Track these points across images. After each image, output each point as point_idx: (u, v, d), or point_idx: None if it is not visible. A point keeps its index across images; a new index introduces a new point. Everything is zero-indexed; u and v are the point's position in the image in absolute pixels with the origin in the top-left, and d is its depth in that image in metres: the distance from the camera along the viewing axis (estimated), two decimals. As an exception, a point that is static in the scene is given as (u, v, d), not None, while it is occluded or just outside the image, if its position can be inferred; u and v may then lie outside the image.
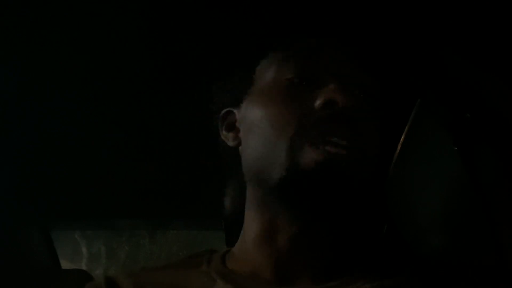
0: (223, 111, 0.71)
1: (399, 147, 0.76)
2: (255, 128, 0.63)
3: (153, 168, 1.06)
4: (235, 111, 0.69)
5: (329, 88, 0.59)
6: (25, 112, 0.99)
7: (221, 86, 0.72)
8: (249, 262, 0.62)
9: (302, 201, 0.58)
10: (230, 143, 0.69)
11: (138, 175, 1.07)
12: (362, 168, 0.60)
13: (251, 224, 0.63)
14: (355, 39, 0.69)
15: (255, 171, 0.62)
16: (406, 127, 0.75)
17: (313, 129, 0.58)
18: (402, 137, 0.75)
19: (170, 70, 0.93)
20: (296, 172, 0.57)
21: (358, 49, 0.67)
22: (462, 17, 0.72)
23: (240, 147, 0.67)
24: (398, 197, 0.78)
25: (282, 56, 0.65)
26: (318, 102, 0.59)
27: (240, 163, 0.66)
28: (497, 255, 0.70)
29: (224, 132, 0.70)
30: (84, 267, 1.97)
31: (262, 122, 0.61)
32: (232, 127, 0.69)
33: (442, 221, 0.79)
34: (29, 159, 1.06)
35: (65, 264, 1.46)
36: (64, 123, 1.01)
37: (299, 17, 0.78)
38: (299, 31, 0.72)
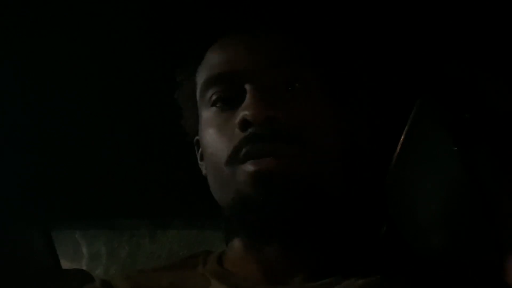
0: (194, 139, 0.72)
1: (399, 147, 0.76)
2: (207, 164, 0.64)
3: (153, 168, 1.06)
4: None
5: (244, 105, 0.57)
6: (25, 112, 0.99)
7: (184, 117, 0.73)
8: (242, 263, 0.62)
9: (266, 223, 0.56)
10: (203, 172, 0.69)
11: (138, 175, 1.07)
12: (319, 170, 0.57)
13: (236, 237, 0.64)
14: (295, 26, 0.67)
15: (220, 202, 0.63)
16: (406, 127, 0.75)
17: (241, 152, 0.56)
18: (402, 137, 0.75)
19: (171, 68, 0.93)
20: (242, 196, 0.55)
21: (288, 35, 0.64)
22: (462, 15, 0.72)
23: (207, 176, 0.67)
24: (398, 197, 0.78)
25: (203, 75, 0.64)
26: (237, 123, 0.57)
27: None
28: (497, 255, 0.70)
29: (199, 161, 0.71)
30: (84, 267, 1.96)
31: (208, 157, 0.62)
32: (202, 157, 0.69)
33: (442, 221, 0.79)
34: (29, 159, 1.06)
35: (65, 264, 1.46)
36: (64, 123, 1.01)
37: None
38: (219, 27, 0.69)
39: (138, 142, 1.04)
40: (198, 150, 0.70)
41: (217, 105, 0.61)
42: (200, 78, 0.65)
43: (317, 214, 0.56)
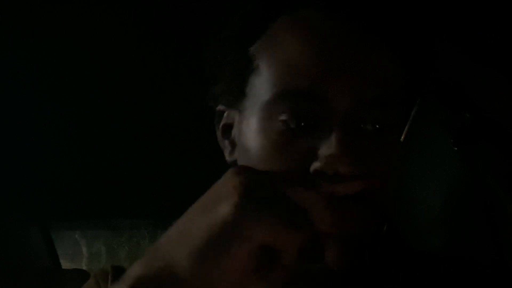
0: (217, 107, 0.58)
1: (399, 147, 0.76)
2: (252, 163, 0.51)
3: (153, 168, 1.06)
4: (230, 113, 0.57)
5: (329, 148, 0.47)
6: (25, 112, 0.99)
7: (212, 77, 0.57)
8: None
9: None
10: (227, 156, 0.57)
11: (139, 175, 1.07)
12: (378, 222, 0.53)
13: None
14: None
15: None
16: (406, 127, 0.75)
17: (311, 203, 0.45)
18: (402, 137, 0.75)
19: (175, 68, 0.93)
20: None
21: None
22: (461, 14, 0.72)
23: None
24: (398, 197, 0.78)
25: (272, 77, 0.50)
26: (313, 167, 0.48)
27: None
28: (497, 255, 0.70)
29: (220, 135, 0.58)
30: (84, 267, 1.96)
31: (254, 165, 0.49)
32: (229, 133, 0.57)
33: (442, 220, 0.79)
34: (30, 159, 1.06)
35: (65, 264, 1.46)
36: (64, 123, 1.01)
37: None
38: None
39: (138, 142, 1.04)
40: (219, 120, 0.58)
41: (288, 124, 0.49)
42: (269, 69, 0.51)
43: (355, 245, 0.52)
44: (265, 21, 0.52)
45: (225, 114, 0.57)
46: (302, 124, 0.48)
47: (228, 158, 0.57)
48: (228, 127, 0.57)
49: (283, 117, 0.48)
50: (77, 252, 2.00)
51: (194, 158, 1.04)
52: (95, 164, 1.08)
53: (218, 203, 0.40)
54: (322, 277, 0.56)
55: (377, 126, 0.49)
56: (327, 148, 0.47)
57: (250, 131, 0.52)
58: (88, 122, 1.01)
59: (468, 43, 0.71)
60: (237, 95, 0.54)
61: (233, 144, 0.56)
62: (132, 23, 0.85)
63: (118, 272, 0.61)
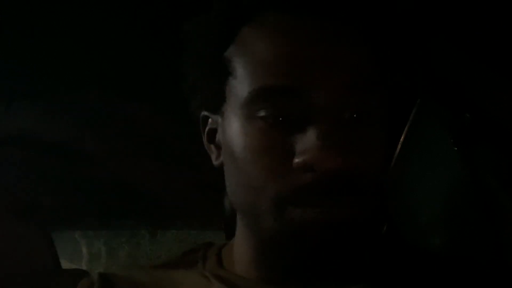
0: (201, 114, 0.60)
1: (399, 147, 0.76)
2: (235, 170, 0.53)
3: (153, 168, 1.06)
4: (213, 118, 0.58)
5: (308, 144, 0.48)
6: (25, 111, 0.99)
7: (192, 86, 0.58)
8: (243, 262, 0.61)
9: (295, 255, 0.52)
10: (213, 160, 0.58)
11: (139, 175, 1.08)
12: (372, 215, 0.52)
13: (242, 233, 0.61)
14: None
15: (241, 209, 0.56)
16: (406, 127, 0.75)
17: (295, 194, 0.48)
18: (402, 137, 0.75)
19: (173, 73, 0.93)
20: (285, 235, 0.49)
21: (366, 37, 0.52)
22: (460, 13, 0.72)
23: (224, 170, 0.57)
24: (398, 197, 0.78)
25: (248, 76, 0.52)
26: (295, 161, 0.48)
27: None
28: (497, 255, 0.70)
29: (206, 141, 0.60)
30: (84, 267, 1.97)
31: (241, 169, 0.52)
32: (214, 137, 0.58)
33: (442, 220, 0.79)
34: (30, 159, 1.06)
35: (65, 264, 1.46)
36: (64, 122, 1.01)
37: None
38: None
39: (138, 142, 1.04)
40: (204, 126, 0.60)
41: (266, 120, 0.50)
42: (244, 70, 0.53)
43: (349, 247, 0.54)
44: (235, 27, 0.54)
45: (209, 120, 0.59)
46: (280, 119, 0.50)
47: (214, 162, 0.58)
48: (213, 132, 0.58)
49: (261, 113, 0.50)
50: (77, 252, 2.00)
51: (193, 160, 1.04)
52: (96, 164, 1.08)
53: None
54: (322, 277, 0.56)
55: (355, 115, 0.50)
56: (306, 141, 0.48)
57: (232, 132, 0.53)
58: (88, 122, 1.01)
59: (468, 43, 0.71)
60: (217, 100, 0.55)
61: (218, 148, 0.58)
62: (128, 26, 0.85)
63: (104, 280, 0.61)
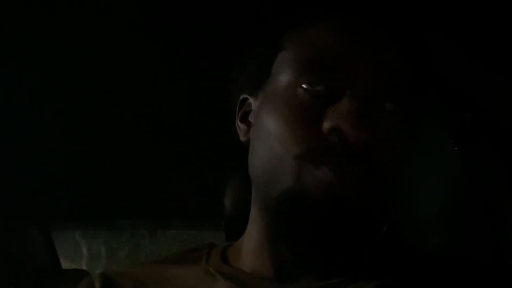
0: (241, 97, 0.66)
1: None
2: (264, 136, 0.58)
3: (153, 167, 1.06)
4: (251, 100, 0.64)
5: (342, 111, 0.52)
6: (25, 112, 0.99)
7: (240, 68, 0.65)
8: (250, 258, 0.62)
9: (304, 226, 0.54)
10: (241, 137, 0.64)
11: (139, 174, 1.08)
12: (382, 199, 0.55)
13: (255, 221, 0.62)
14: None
15: (259, 180, 0.59)
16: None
17: (320, 156, 0.52)
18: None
19: (175, 67, 0.93)
20: (301, 194, 0.53)
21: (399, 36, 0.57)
22: (460, 13, 0.72)
23: (249, 146, 0.62)
24: (398, 197, 0.78)
25: (299, 53, 0.57)
26: (325, 125, 0.53)
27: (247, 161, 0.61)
28: (497, 255, 0.70)
29: (238, 122, 0.65)
30: (84, 267, 1.97)
31: (270, 133, 0.56)
32: (245, 118, 0.64)
33: (442, 220, 0.79)
34: (30, 159, 1.06)
35: (65, 264, 1.46)
36: (64, 122, 1.01)
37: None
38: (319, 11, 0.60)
39: (138, 141, 1.04)
40: (239, 110, 0.66)
41: (309, 91, 0.55)
42: (299, 49, 0.58)
43: (354, 229, 0.56)
44: (291, 25, 0.60)
45: (247, 102, 0.65)
46: (323, 90, 0.55)
47: (242, 138, 0.64)
48: (247, 114, 0.64)
49: (305, 85, 0.55)
50: (77, 252, 2.01)
51: (194, 159, 1.04)
52: (96, 164, 1.08)
53: None
54: (324, 275, 0.57)
55: (387, 108, 0.55)
56: (341, 110, 0.53)
57: (270, 104, 0.58)
58: (88, 122, 1.01)
59: (468, 43, 0.71)
60: (262, 76, 0.61)
61: (248, 126, 0.63)
62: (132, 23, 0.85)
63: (105, 280, 0.61)
